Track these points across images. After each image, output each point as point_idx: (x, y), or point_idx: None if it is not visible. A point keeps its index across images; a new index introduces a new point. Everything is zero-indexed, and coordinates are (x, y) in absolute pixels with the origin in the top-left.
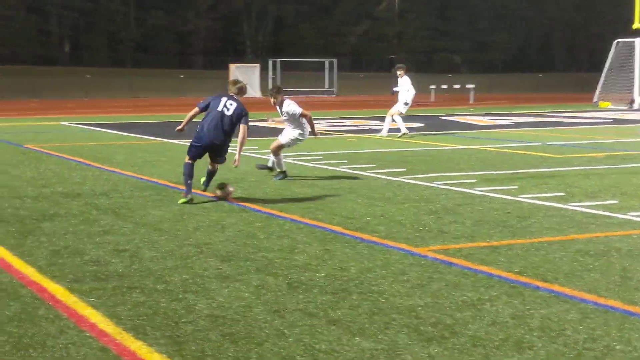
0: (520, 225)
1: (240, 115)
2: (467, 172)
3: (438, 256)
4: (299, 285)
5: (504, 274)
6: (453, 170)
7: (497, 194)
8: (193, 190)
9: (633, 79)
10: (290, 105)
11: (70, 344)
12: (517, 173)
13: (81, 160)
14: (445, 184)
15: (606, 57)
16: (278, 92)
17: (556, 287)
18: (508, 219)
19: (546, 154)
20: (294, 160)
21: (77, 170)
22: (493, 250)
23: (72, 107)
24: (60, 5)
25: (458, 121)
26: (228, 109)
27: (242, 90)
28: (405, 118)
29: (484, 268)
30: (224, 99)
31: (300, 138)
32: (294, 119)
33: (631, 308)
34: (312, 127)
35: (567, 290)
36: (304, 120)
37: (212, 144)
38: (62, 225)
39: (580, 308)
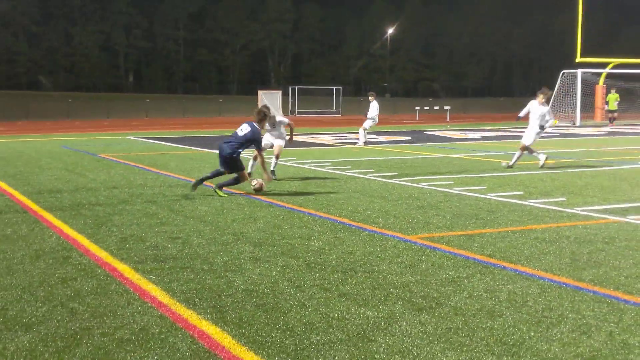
0: (490, 218)
1: (248, 139)
2: (446, 175)
3: (425, 242)
4: (315, 265)
5: (478, 257)
6: (435, 174)
7: (470, 193)
8: (233, 190)
9: (575, 102)
10: (280, 117)
11: (135, 312)
12: (486, 176)
13: (143, 166)
14: (429, 185)
15: (555, 85)
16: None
17: (519, 267)
18: (480, 213)
19: (508, 161)
20: (309, 166)
21: (139, 174)
22: (468, 237)
23: (136, 125)
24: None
25: (438, 135)
26: (242, 130)
27: (259, 114)
28: (396, 133)
29: (462, 252)
30: (243, 124)
31: (286, 142)
32: (278, 129)
33: (580, 284)
34: (291, 134)
35: (528, 270)
36: (284, 129)
37: (222, 156)
38: (128, 218)
39: (539, 284)
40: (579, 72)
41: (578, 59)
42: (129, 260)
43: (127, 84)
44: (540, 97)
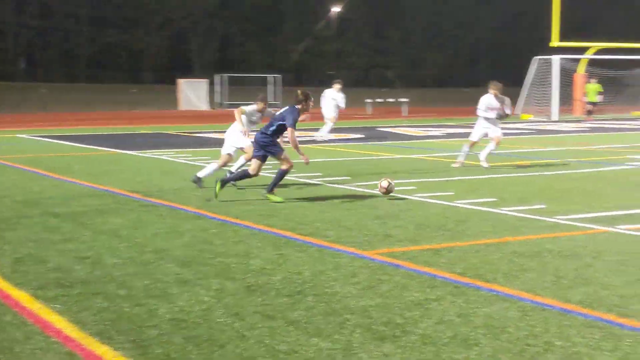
0: (459, 228)
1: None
2: (406, 179)
3: (385, 259)
4: (256, 288)
5: (447, 275)
6: (393, 177)
7: (435, 199)
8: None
9: (551, 93)
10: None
11: (37, 349)
12: (452, 180)
13: (39, 171)
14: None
15: (527, 73)
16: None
17: (496, 287)
18: (447, 223)
19: (477, 162)
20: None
21: (35, 180)
22: (435, 252)
23: (30, 121)
24: (16, 24)
25: (394, 132)
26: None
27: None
28: (346, 130)
29: (428, 269)
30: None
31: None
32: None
33: (567, 306)
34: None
35: (506, 290)
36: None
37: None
38: (23, 234)
39: (519, 306)
40: (555, 58)
41: (554, 43)
42: (27, 285)
43: (17, 71)
44: (494, 90)
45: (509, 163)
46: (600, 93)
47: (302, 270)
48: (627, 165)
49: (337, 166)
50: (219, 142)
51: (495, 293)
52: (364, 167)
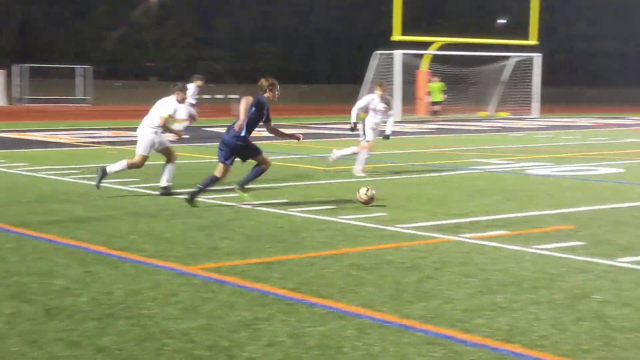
0: (293, 239)
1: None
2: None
3: (210, 274)
4: (59, 312)
5: (279, 291)
6: (220, 183)
7: (267, 207)
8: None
9: (392, 92)
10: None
11: None
12: (287, 186)
13: None
14: (214, 198)
15: (367, 69)
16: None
17: (332, 303)
18: (280, 234)
19: (314, 166)
20: (46, 174)
21: None
22: (267, 266)
23: None
24: None
25: (221, 132)
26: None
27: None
28: None
29: (259, 286)
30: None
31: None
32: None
33: (407, 322)
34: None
35: (342, 306)
36: None
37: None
38: None
39: (356, 323)
40: (397, 53)
41: (395, 37)
42: None
43: None
44: (379, 91)
45: (348, 167)
46: (443, 92)
47: (114, 290)
48: (473, 169)
49: (157, 170)
50: (21, 143)
51: (330, 310)
52: (186, 172)
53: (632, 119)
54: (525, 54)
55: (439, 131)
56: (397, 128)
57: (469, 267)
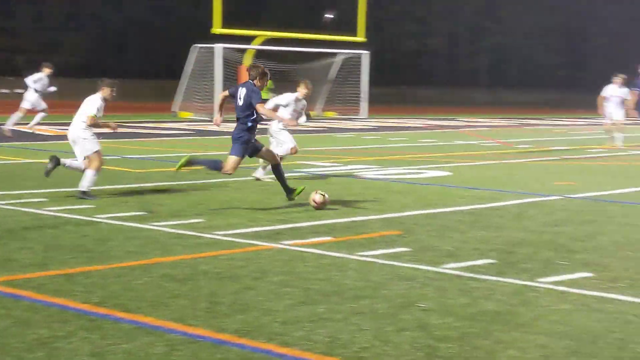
0: (99, 249)
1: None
2: (36, 189)
3: (3, 289)
4: None
5: (81, 306)
6: (18, 188)
7: (71, 214)
8: None
9: (214, 88)
10: None
11: None
12: (94, 190)
13: None
14: (10, 204)
15: (186, 63)
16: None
17: (140, 318)
18: (85, 243)
19: (125, 169)
20: None
21: None
22: (68, 278)
23: None
24: None
25: (23, 131)
26: (240, 98)
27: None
28: None
29: (58, 300)
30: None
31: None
32: None
33: (222, 336)
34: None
35: (152, 321)
36: None
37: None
38: None
39: (166, 339)
40: (217, 46)
41: (216, 30)
42: None
43: None
44: (303, 91)
45: (161, 169)
46: (271, 90)
47: None
48: (297, 172)
49: None
50: None
51: (138, 325)
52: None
53: (462, 120)
54: (353, 51)
55: (266, 132)
56: (216, 127)
57: (290, 277)
